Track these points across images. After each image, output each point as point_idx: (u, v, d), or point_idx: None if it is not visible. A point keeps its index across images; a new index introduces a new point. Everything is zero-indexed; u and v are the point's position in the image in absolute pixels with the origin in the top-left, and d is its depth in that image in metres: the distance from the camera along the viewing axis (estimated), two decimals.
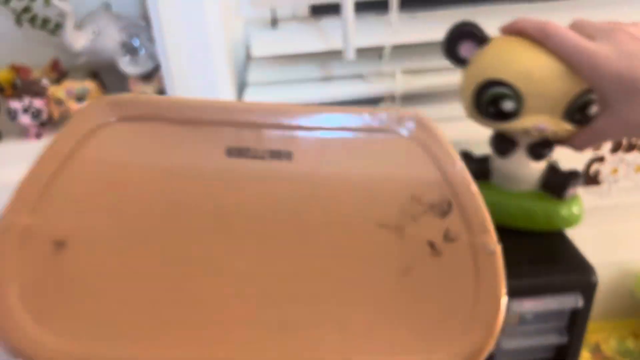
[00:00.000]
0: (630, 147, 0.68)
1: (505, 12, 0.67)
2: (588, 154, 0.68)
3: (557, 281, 0.50)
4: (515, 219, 0.52)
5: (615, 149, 0.68)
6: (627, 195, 0.71)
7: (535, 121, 0.45)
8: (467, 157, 0.54)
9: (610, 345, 0.73)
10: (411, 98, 0.68)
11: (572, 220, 0.52)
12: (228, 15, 0.60)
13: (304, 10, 0.66)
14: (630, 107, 0.39)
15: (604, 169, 0.69)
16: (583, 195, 0.72)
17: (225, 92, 0.58)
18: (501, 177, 0.53)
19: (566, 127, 0.45)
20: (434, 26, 0.60)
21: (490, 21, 0.49)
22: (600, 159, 0.68)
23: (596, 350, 0.75)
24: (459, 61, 0.48)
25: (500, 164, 0.52)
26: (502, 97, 0.46)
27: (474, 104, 0.47)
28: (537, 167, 0.51)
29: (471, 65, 0.47)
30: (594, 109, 0.44)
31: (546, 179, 0.51)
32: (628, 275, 0.77)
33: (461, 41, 0.47)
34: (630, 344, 0.72)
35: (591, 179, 0.69)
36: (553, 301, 0.50)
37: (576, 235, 0.70)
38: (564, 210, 0.51)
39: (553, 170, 0.51)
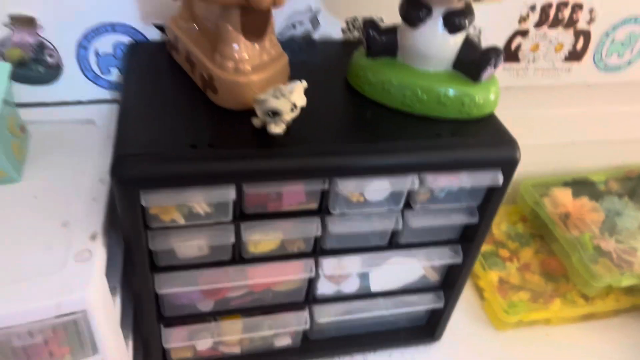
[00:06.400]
0: (555, 22, 0.60)
1: None
2: (513, 25, 0.59)
3: (476, 156, 0.43)
4: (422, 103, 0.44)
5: (540, 22, 0.60)
6: (543, 77, 0.65)
7: None
8: (372, 26, 0.43)
9: (501, 229, 0.73)
10: None
11: (487, 108, 0.45)
12: None
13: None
14: None
15: (525, 45, 0.61)
16: (499, 73, 0.65)
17: None
18: (409, 53, 0.44)
19: None
20: None
21: None
22: (524, 33, 0.60)
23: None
24: None
25: (409, 37, 0.43)
26: None
27: None
28: (452, 42, 0.42)
29: None
30: None
31: (461, 56, 0.43)
32: None
33: None
34: (519, 228, 0.73)
35: (511, 55, 0.62)
36: (469, 178, 0.44)
37: None
38: (479, 96, 0.44)
39: (470, 46, 0.43)
